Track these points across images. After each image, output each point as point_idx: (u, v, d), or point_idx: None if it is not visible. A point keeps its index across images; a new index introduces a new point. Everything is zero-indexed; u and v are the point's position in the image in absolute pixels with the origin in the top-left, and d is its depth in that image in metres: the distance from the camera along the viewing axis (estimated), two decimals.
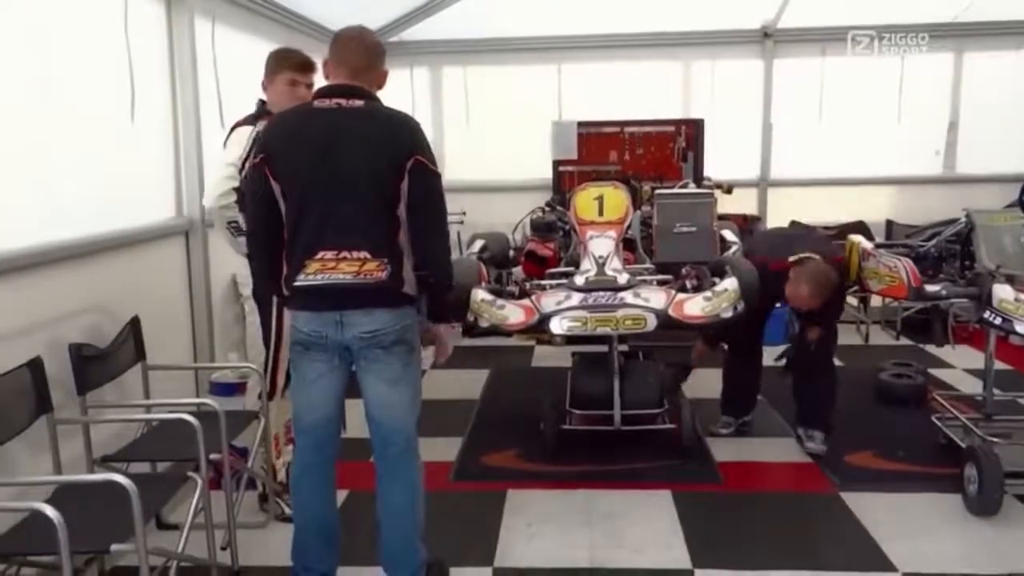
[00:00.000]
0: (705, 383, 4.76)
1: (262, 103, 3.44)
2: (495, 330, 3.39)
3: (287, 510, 3.43)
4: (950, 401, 4.14)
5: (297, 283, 2.51)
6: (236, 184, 3.21)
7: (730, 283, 3.36)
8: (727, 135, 6.72)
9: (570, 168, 6.73)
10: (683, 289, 3.54)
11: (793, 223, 6.32)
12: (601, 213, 3.67)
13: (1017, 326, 3.23)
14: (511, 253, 4.66)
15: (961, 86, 6.78)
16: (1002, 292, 3.30)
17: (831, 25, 6.54)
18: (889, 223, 6.68)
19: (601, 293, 3.30)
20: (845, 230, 5.56)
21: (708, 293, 3.35)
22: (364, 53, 2.60)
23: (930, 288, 3.45)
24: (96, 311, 3.25)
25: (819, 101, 6.75)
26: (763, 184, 6.90)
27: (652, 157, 6.73)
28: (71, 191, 3.18)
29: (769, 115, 6.82)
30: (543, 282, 3.54)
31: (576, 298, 3.28)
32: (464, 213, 5.93)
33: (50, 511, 2.00)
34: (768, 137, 6.85)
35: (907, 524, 3.34)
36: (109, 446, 2.98)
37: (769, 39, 6.71)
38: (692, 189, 4.59)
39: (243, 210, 3.18)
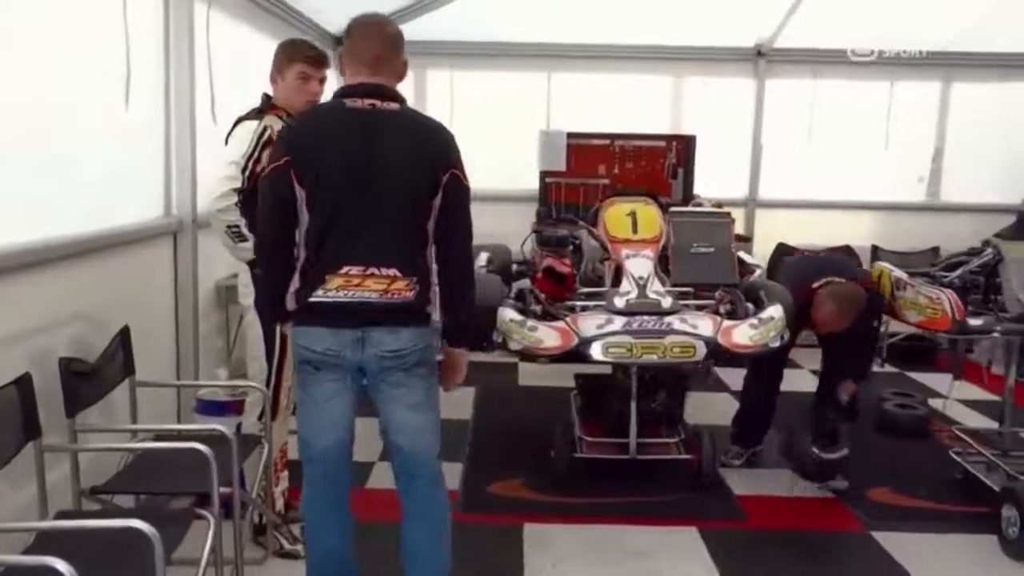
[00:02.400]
0: (701, 411, 4.59)
1: (267, 97, 3.13)
2: (525, 353, 3.14)
3: (286, 545, 3.12)
4: (967, 436, 4.03)
5: (314, 299, 2.28)
6: (238, 185, 2.89)
7: (775, 311, 3.18)
8: (716, 153, 6.61)
9: (558, 180, 6.52)
10: (716, 314, 3.35)
11: (780, 245, 6.25)
12: (635, 230, 3.45)
13: None
14: (514, 267, 4.41)
15: (948, 115, 6.81)
16: None
17: (824, 47, 6.49)
18: (875, 248, 6.64)
19: (645, 317, 3.08)
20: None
21: (754, 320, 3.16)
22: (385, 43, 2.37)
23: (974, 322, 3.33)
24: (81, 320, 2.88)
25: (809, 123, 6.71)
26: (751, 204, 6.81)
27: (642, 172, 6.56)
28: (57, 184, 2.81)
29: (760, 135, 6.74)
30: (574, 303, 3.29)
31: (618, 322, 3.05)
32: None
33: (62, 566, 1.66)
34: (758, 157, 6.77)
35: (946, 567, 3.20)
36: (93, 473, 2.62)
37: (762, 58, 6.63)
38: (706, 208, 4.41)
39: (245, 213, 2.87)
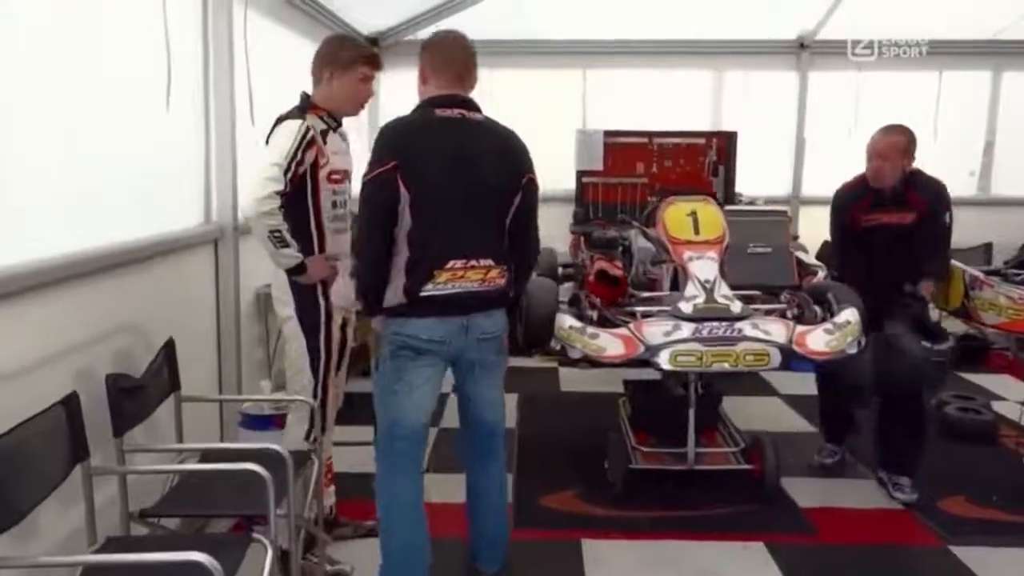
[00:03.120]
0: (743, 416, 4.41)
1: (306, 96, 2.99)
2: (587, 360, 2.99)
3: (329, 567, 2.99)
4: None
5: (424, 292, 2.51)
6: (280, 187, 2.73)
7: (851, 315, 3.01)
8: (758, 149, 6.41)
9: (594, 179, 6.35)
10: (783, 317, 3.18)
11: (826, 243, 6.05)
12: (697, 231, 3.29)
13: None
14: (560, 270, 4.25)
15: (999, 106, 6.58)
16: None
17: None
18: None
19: (715, 323, 2.91)
20: None
21: (829, 326, 2.98)
22: (468, 58, 2.66)
23: None
24: (122, 333, 2.78)
25: (854, 117, 6.48)
26: (795, 201, 6.60)
27: (681, 170, 6.37)
28: (99, 190, 2.70)
29: (803, 129, 6.54)
30: (634, 308, 3.13)
31: (687, 329, 2.89)
32: None
33: None
34: (801, 152, 6.57)
35: None
36: (139, 493, 2.49)
37: (805, 50, 6.43)
38: (761, 206, 4.24)
39: (286, 217, 2.73)
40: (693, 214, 3.34)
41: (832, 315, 3.21)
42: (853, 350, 2.98)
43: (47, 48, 2.43)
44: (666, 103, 6.54)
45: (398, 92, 6.49)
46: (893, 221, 3.71)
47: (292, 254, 2.76)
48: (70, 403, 2.12)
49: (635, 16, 6.17)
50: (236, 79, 3.48)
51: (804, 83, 6.48)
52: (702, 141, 6.38)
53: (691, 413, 3.67)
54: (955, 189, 6.64)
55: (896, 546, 3.34)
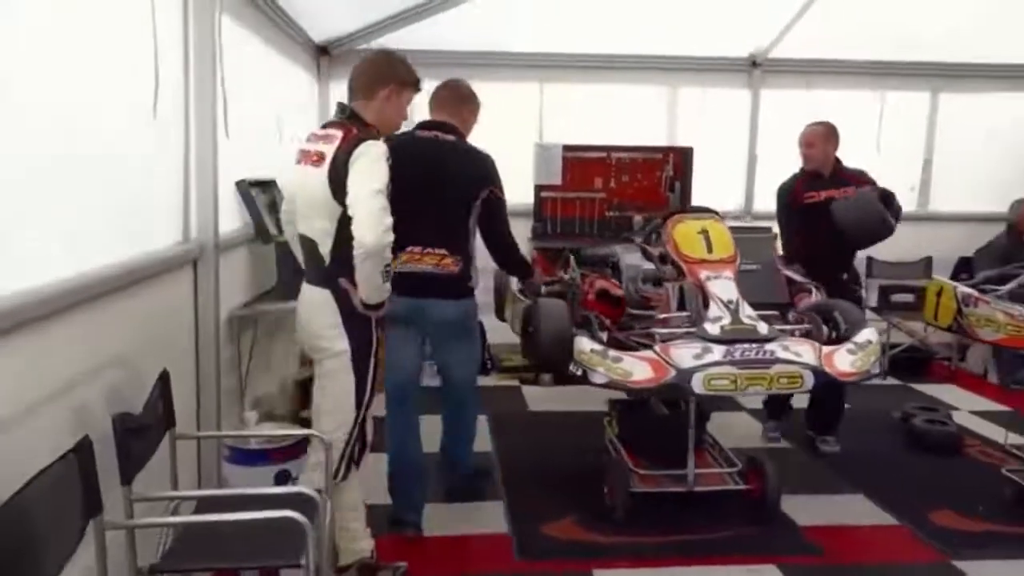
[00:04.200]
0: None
1: (354, 112, 2.82)
2: (611, 386, 2.87)
3: None
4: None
5: (395, 270, 2.78)
6: (391, 220, 2.57)
7: (871, 334, 3.00)
8: (712, 165, 6.47)
9: (553, 194, 6.29)
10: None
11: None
12: (710, 250, 3.22)
13: None
14: (542, 288, 4.13)
15: (936, 125, 6.83)
16: None
17: (817, 58, 6.43)
18: (869, 260, 6.60)
19: (745, 345, 2.84)
20: None
21: (851, 346, 2.96)
22: (451, 95, 3.59)
23: None
24: (113, 367, 2.49)
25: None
26: (747, 217, 6.67)
27: (639, 185, 6.39)
28: (84, 208, 2.41)
29: (755, 146, 6.62)
30: (654, 330, 3.04)
31: (718, 352, 2.80)
32: None
33: None
34: (753, 168, 6.65)
35: None
36: (142, 544, 2.23)
37: (757, 68, 6.52)
38: (747, 223, 4.23)
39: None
40: (704, 232, 3.28)
41: (839, 334, 3.20)
42: (876, 370, 2.98)
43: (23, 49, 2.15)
44: (621, 118, 6.50)
45: (345, 98, 6.30)
46: (836, 196, 4.36)
47: (388, 288, 2.69)
48: (81, 452, 1.87)
49: (592, 30, 6.12)
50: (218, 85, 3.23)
51: (756, 100, 6.57)
52: (659, 156, 6.40)
53: (690, 433, 3.62)
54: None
55: (903, 565, 3.35)
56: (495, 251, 3.58)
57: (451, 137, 3.42)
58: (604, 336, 3.12)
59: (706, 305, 3.02)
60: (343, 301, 2.67)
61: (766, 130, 6.63)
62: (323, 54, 6.09)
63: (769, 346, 2.84)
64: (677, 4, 5.73)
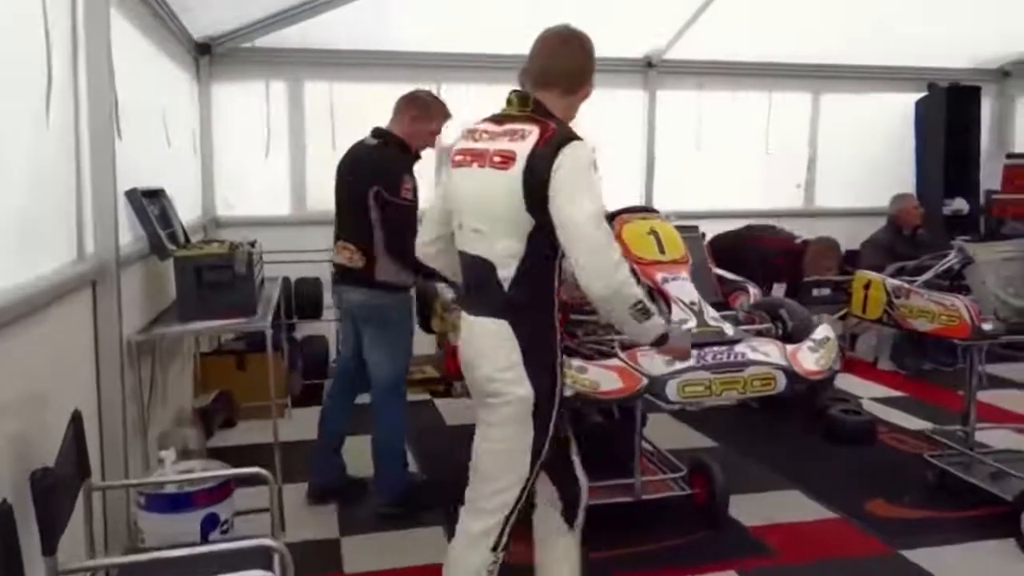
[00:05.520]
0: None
1: (537, 105, 2.33)
2: (578, 399, 2.69)
3: None
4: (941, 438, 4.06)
5: None
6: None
7: (827, 331, 2.96)
8: (612, 165, 6.44)
9: None
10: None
11: None
12: (663, 251, 3.10)
13: None
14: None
15: (819, 124, 7.10)
16: None
17: (709, 59, 6.54)
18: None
19: (715, 348, 2.73)
20: None
21: (811, 343, 2.91)
22: (395, 107, 3.76)
23: (986, 327, 3.30)
24: (10, 413, 2.09)
25: (697, 134, 6.73)
26: (672, 217, 6.60)
27: None
28: None
29: (652, 145, 6.66)
30: (618, 336, 2.88)
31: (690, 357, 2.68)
32: None
33: None
34: (651, 168, 6.69)
35: None
36: None
37: (653, 69, 6.56)
38: (676, 222, 4.17)
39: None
40: (654, 232, 3.17)
41: (786, 331, 3.17)
42: (838, 367, 2.95)
43: None
44: None
45: (234, 99, 5.88)
46: None
47: (658, 322, 2.26)
48: (3, 518, 1.51)
49: (490, 30, 5.97)
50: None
51: (652, 101, 6.61)
52: None
53: (636, 440, 3.51)
54: (785, 200, 7.19)
55: (854, 559, 3.34)
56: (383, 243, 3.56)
57: (375, 140, 3.66)
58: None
59: (668, 308, 2.91)
60: (525, 335, 2.18)
61: (663, 130, 6.69)
62: (203, 53, 5.63)
63: (738, 348, 2.76)
64: (574, 5, 5.65)
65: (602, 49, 6.45)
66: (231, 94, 5.90)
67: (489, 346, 2.23)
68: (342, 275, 3.71)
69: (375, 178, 3.50)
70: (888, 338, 6.22)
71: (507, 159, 2.11)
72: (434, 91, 6.21)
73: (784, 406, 5.02)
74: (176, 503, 2.66)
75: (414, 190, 3.57)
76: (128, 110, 3.22)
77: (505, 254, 2.15)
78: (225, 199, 5.93)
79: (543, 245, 2.13)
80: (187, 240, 4.06)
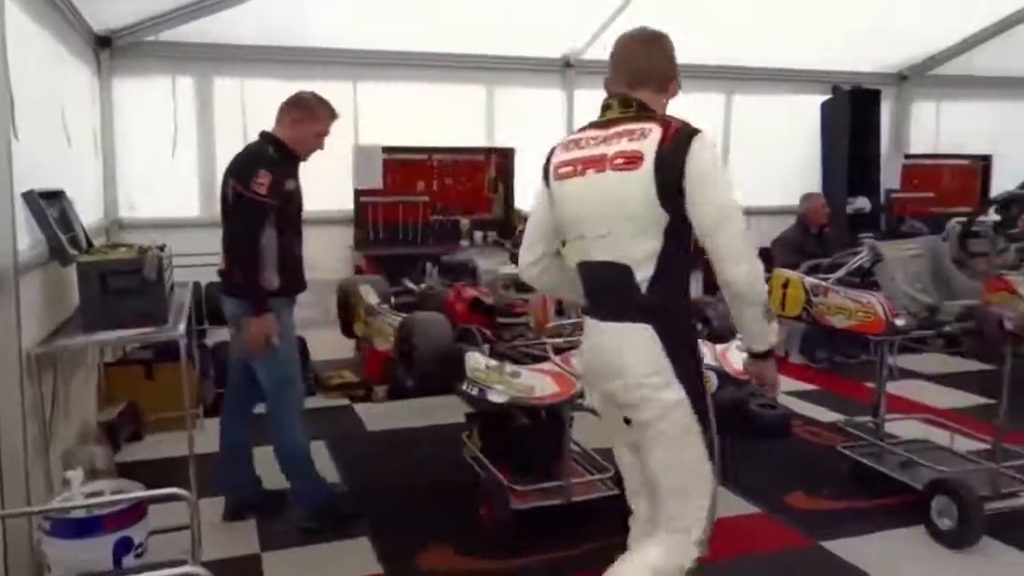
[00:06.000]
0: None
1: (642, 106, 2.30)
2: (513, 404, 2.64)
3: None
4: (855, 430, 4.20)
5: None
6: None
7: None
8: (533, 165, 6.41)
9: (374, 199, 5.97)
10: None
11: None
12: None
13: None
14: (392, 300, 3.86)
15: (731, 124, 7.27)
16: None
17: None
18: None
19: None
20: None
21: (738, 343, 2.95)
22: (279, 111, 3.54)
23: (899, 323, 3.42)
24: None
25: None
26: None
27: (463, 187, 6.24)
28: None
29: None
30: (550, 340, 2.84)
31: None
32: None
33: None
34: None
35: (915, 567, 3.27)
36: None
37: (571, 69, 6.58)
38: None
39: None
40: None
41: (712, 330, 3.21)
42: None
43: None
44: (440, 119, 6.32)
45: (138, 95, 5.61)
46: None
47: (776, 327, 2.23)
48: None
49: (407, 28, 5.88)
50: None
51: (571, 101, 6.64)
52: (481, 158, 6.28)
53: (566, 442, 3.50)
54: None
55: (777, 552, 3.41)
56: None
57: (255, 140, 3.54)
58: (487, 348, 2.90)
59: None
60: (669, 337, 2.11)
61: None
62: (103, 46, 5.35)
63: None
64: (493, 4, 5.64)
65: (521, 49, 6.58)
66: (134, 90, 5.64)
67: (630, 352, 2.15)
68: (220, 283, 3.53)
69: (230, 173, 3.38)
70: (798, 332, 6.41)
71: (633, 159, 2.10)
72: (350, 89, 6.17)
73: None
74: (85, 528, 2.48)
75: (276, 188, 3.28)
76: (25, 108, 3.01)
77: (642, 255, 2.12)
78: (129, 200, 5.66)
79: (680, 240, 2.12)
80: (90, 244, 3.84)
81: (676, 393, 2.12)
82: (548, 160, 2.34)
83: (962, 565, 3.27)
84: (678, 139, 2.09)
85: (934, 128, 8.10)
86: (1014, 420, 3.58)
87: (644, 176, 2.07)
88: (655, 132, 2.10)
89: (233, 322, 3.48)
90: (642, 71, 2.27)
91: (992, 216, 5.21)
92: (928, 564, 3.28)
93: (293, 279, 3.48)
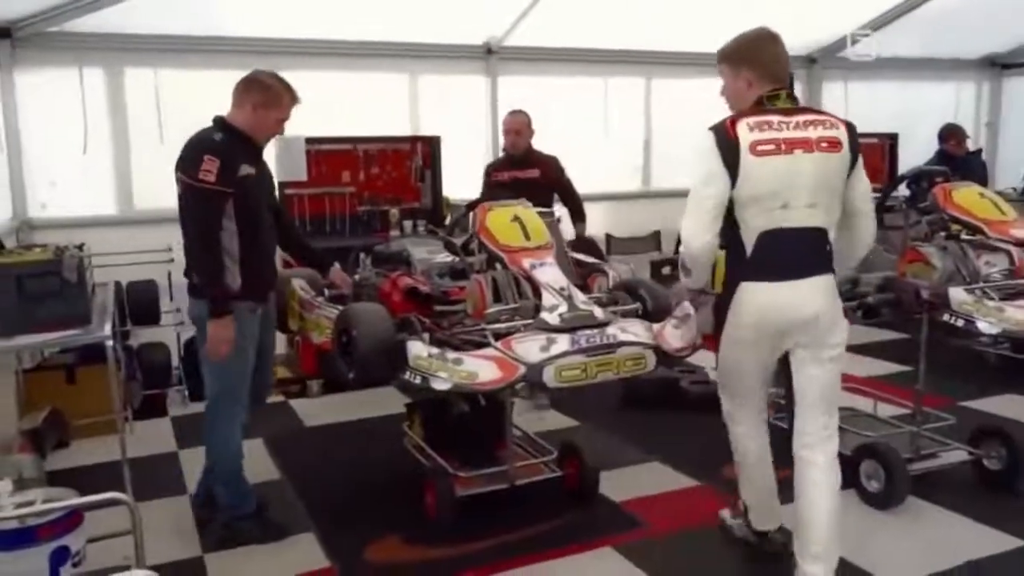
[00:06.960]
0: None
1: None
2: (458, 391, 2.63)
3: None
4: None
5: None
6: None
7: (688, 307, 3.05)
8: (457, 153, 6.43)
9: (298, 191, 5.85)
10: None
11: None
12: (528, 237, 3.08)
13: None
14: (326, 292, 3.80)
15: (651, 109, 7.38)
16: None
17: (547, 46, 6.65)
18: (608, 237, 7.00)
19: (588, 332, 2.75)
20: (576, 247, 5.55)
21: (675, 321, 3.00)
22: (235, 93, 3.38)
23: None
24: None
25: (540, 120, 6.80)
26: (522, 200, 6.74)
27: (388, 177, 6.17)
28: None
29: (496, 132, 6.66)
30: (490, 326, 2.83)
31: (563, 342, 2.66)
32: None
33: None
34: (496, 154, 6.68)
35: (847, 528, 3.34)
36: None
37: (493, 56, 6.58)
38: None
39: None
40: (517, 219, 3.14)
41: (647, 310, 3.26)
42: (699, 341, 3.06)
43: None
44: (363, 108, 6.24)
45: (43, 88, 5.35)
46: (521, 176, 5.18)
47: None
48: None
49: (323, 15, 5.79)
50: None
51: (494, 88, 6.63)
52: (407, 147, 6.22)
53: (507, 426, 3.52)
54: (624, 184, 7.45)
55: (719, 523, 3.51)
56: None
57: (207, 127, 3.26)
58: (427, 337, 2.88)
59: (538, 294, 2.91)
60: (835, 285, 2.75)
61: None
62: (3, 37, 5.09)
63: (609, 330, 2.79)
64: None
65: (442, 35, 6.53)
66: (38, 83, 5.39)
67: (825, 296, 2.70)
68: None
69: (176, 167, 3.12)
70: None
71: (834, 144, 2.64)
72: None
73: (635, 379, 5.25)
74: (18, 539, 2.40)
75: (227, 175, 3.03)
76: None
77: (832, 221, 2.70)
78: (39, 199, 5.41)
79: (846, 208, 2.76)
80: (1, 246, 3.67)
81: (846, 333, 2.78)
82: (732, 140, 2.59)
83: (891, 524, 3.43)
84: (853, 133, 2.69)
85: (843, 109, 8.38)
86: (931, 385, 3.77)
87: (843, 158, 2.65)
88: (840, 124, 2.68)
89: (198, 324, 3.26)
90: (784, 70, 2.77)
91: (903, 191, 5.48)
92: (860, 524, 3.42)
93: (258, 280, 3.24)
